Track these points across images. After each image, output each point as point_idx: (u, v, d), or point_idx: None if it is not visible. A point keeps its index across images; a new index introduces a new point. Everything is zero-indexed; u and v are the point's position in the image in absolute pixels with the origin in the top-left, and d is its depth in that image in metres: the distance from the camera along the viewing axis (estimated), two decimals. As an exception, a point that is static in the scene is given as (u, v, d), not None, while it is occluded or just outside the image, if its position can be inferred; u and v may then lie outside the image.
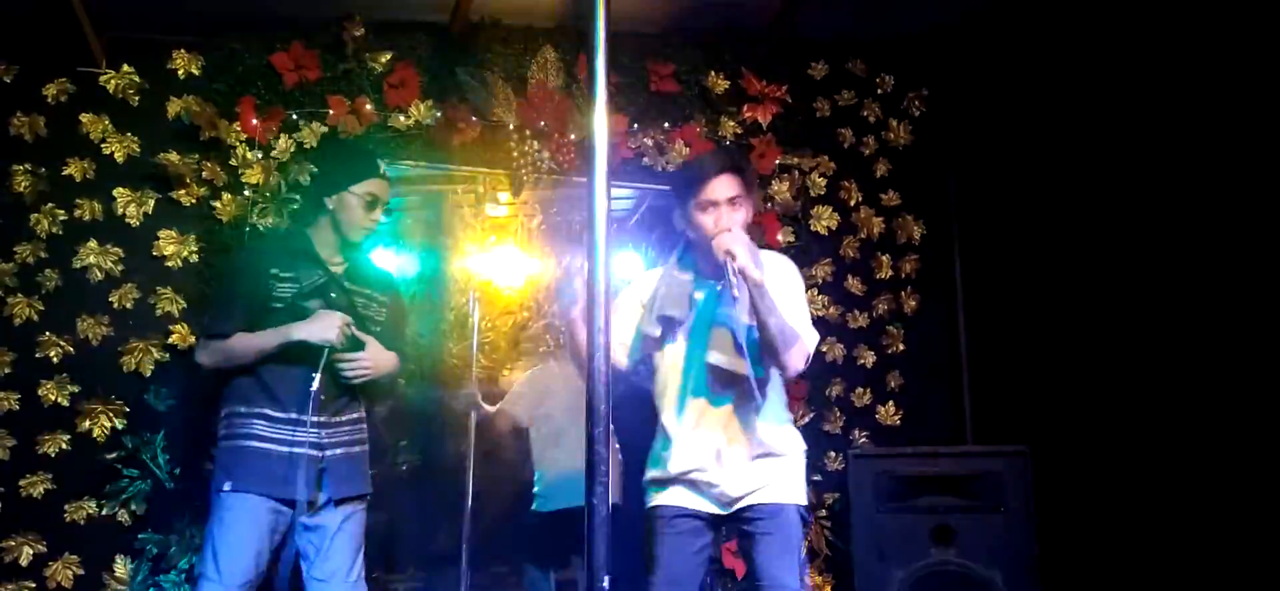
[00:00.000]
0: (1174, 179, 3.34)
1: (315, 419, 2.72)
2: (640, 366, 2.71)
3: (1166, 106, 3.38)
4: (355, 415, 2.90)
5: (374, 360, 2.85)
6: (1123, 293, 3.53)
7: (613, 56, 2.05)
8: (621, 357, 2.64)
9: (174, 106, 3.59)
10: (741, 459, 2.57)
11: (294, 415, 2.73)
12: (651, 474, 2.68)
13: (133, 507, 3.39)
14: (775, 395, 2.66)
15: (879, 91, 4.28)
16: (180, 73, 3.62)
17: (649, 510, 2.68)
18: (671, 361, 2.64)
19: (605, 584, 1.85)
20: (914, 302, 4.14)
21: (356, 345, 2.80)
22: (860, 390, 4.09)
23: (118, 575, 3.35)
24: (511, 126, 3.88)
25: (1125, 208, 3.55)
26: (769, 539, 2.55)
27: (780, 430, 2.65)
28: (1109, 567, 3.48)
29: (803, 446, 2.71)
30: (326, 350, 2.72)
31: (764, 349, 2.51)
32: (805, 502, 2.65)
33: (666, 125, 4.05)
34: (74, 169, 3.52)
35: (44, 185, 3.50)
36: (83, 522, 3.36)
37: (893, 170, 4.22)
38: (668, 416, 2.63)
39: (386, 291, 3.05)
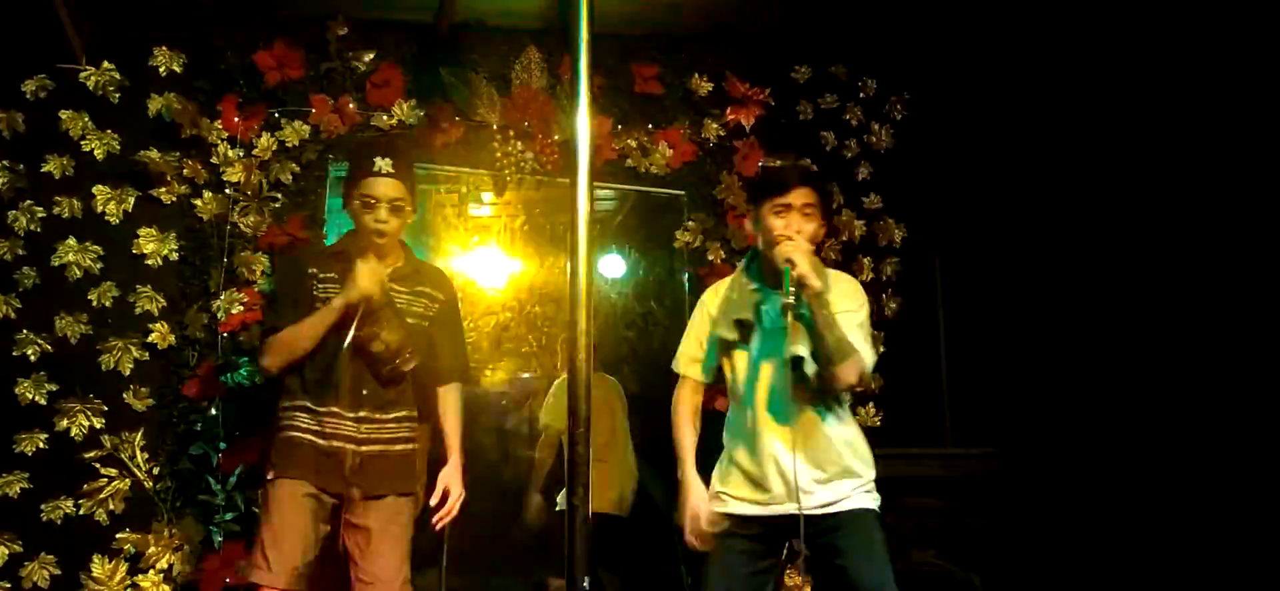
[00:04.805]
0: (1152, 185, 3.38)
1: (353, 414, 2.72)
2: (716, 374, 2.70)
3: (1146, 113, 3.42)
4: (402, 413, 2.83)
5: (455, 489, 2.89)
6: (1102, 296, 3.56)
7: (596, 58, 2.05)
8: (695, 371, 2.67)
9: (155, 104, 3.57)
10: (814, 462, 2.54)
11: (333, 409, 2.74)
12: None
13: (110, 507, 3.36)
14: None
15: (861, 95, 4.31)
16: (161, 70, 3.60)
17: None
18: (742, 366, 2.63)
19: (585, 584, 1.86)
20: (895, 305, 4.15)
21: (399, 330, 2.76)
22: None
23: (95, 575, 3.32)
24: (495, 127, 3.88)
25: (1104, 213, 3.59)
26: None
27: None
28: (1086, 568, 3.52)
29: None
30: (361, 303, 2.66)
31: (820, 361, 2.46)
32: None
33: (650, 127, 4.06)
34: (53, 166, 3.49)
35: (22, 182, 3.48)
36: (60, 522, 3.33)
37: (874, 173, 4.23)
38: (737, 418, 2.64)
39: (437, 288, 2.96)
